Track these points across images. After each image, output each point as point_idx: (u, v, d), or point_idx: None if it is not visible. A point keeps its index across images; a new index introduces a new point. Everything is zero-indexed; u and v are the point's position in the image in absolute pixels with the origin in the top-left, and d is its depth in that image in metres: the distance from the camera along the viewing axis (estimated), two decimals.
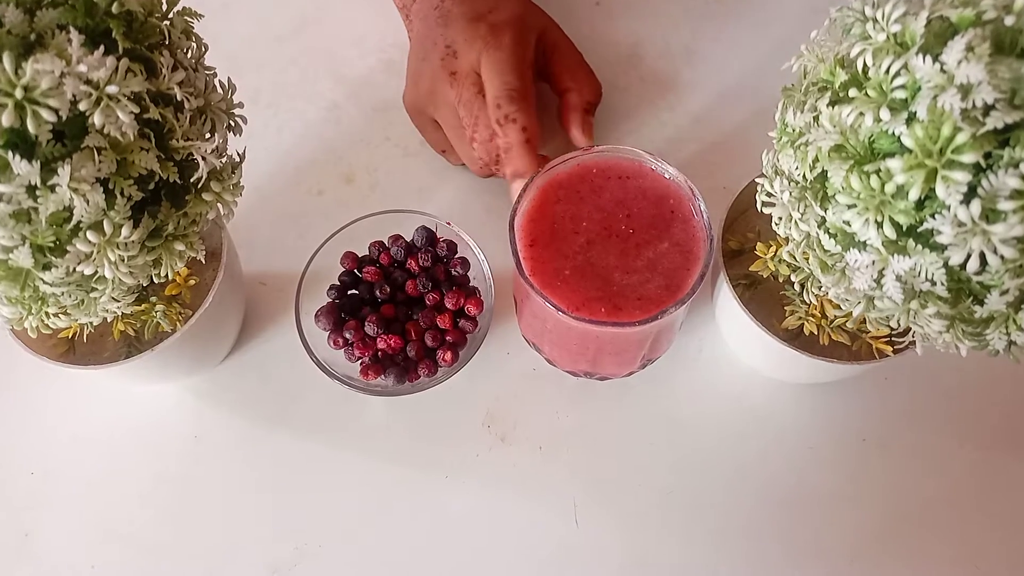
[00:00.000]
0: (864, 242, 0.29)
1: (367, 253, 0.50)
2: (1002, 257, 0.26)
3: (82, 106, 0.27)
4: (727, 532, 0.47)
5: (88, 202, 0.29)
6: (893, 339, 0.42)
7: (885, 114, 0.27)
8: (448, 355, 0.47)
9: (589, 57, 0.56)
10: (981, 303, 0.29)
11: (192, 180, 0.34)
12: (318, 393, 0.50)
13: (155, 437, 0.49)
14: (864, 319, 0.35)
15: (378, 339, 0.47)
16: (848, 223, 0.29)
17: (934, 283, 0.28)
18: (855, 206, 0.29)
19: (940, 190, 0.26)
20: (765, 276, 0.45)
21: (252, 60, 0.61)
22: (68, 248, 0.30)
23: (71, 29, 0.28)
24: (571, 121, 0.53)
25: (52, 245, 0.30)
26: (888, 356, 0.42)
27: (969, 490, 0.48)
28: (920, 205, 0.27)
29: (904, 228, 0.28)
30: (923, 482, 0.48)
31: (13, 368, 0.51)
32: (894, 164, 0.27)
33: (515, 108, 0.48)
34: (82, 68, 0.27)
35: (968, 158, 0.25)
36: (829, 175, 0.30)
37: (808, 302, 0.42)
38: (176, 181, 0.33)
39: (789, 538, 0.47)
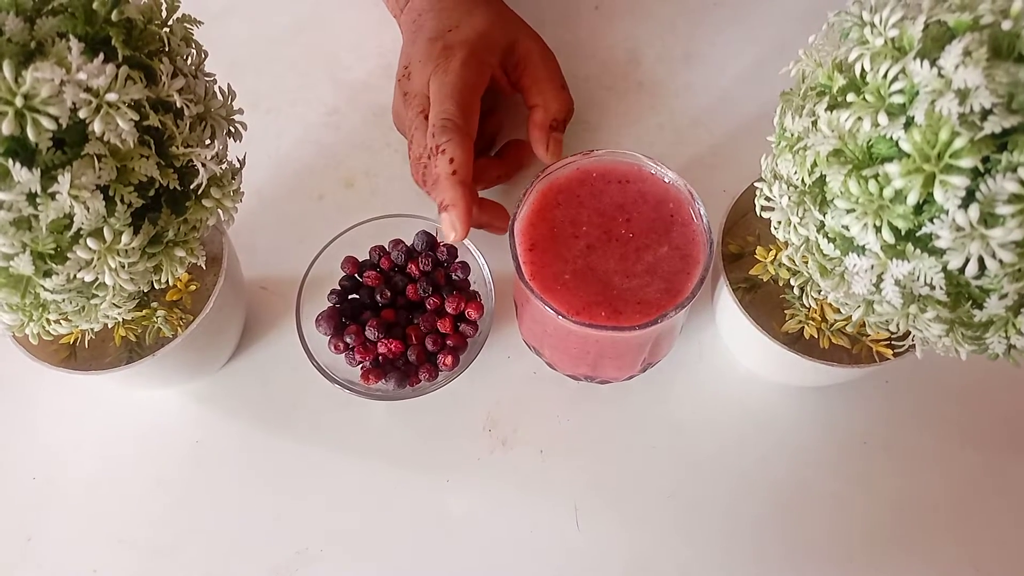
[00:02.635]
0: (863, 246, 0.29)
1: (368, 258, 0.50)
2: (1000, 261, 0.26)
3: (82, 114, 0.27)
4: (728, 535, 0.47)
5: (88, 209, 0.29)
6: (893, 343, 0.42)
7: (883, 119, 0.27)
8: (449, 359, 0.47)
9: (588, 61, 0.56)
10: (980, 307, 0.29)
11: (192, 186, 0.34)
12: (319, 398, 0.50)
13: (157, 441, 0.49)
14: (864, 323, 0.35)
15: (379, 343, 0.47)
16: (847, 227, 0.29)
17: (933, 287, 0.28)
18: (854, 210, 0.29)
19: (938, 194, 0.26)
20: (765, 280, 0.45)
21: (251, 65, 0.61)
22: (69, 255, 0.30)
23: (71, 37, 0.28)
24: (534, 139, 0.52)
25: (53, 252, 0.30)
26: (888, 359, 0.42)
27: (970, 492, 0.48)
28: (918, 209, 0.27)
29: (903, 232, 0.28)
30: (924, 484, 0.48)
31: (15, 374, 0.51)
32: (892, 169, 0.27)
33: (446, 139, 0.46)
34: (82, 76, 0.27)
35: (966, 163, 0.25)
36: (828, 179, 0.30)
37: (808, 306, 0.42)
38: (176, 188, 0.33)
39: (791, 540, 0.47)
